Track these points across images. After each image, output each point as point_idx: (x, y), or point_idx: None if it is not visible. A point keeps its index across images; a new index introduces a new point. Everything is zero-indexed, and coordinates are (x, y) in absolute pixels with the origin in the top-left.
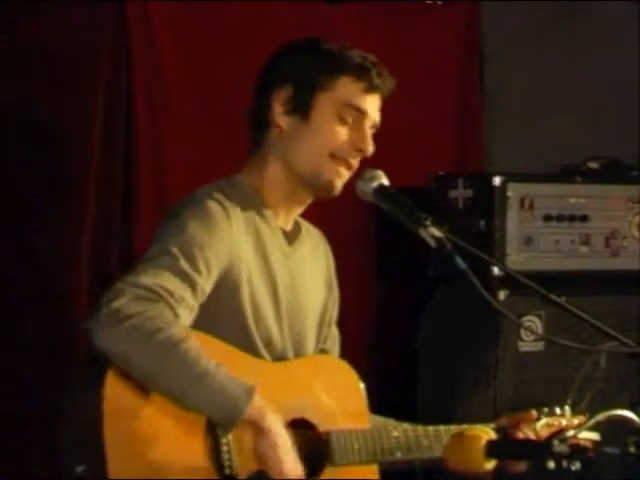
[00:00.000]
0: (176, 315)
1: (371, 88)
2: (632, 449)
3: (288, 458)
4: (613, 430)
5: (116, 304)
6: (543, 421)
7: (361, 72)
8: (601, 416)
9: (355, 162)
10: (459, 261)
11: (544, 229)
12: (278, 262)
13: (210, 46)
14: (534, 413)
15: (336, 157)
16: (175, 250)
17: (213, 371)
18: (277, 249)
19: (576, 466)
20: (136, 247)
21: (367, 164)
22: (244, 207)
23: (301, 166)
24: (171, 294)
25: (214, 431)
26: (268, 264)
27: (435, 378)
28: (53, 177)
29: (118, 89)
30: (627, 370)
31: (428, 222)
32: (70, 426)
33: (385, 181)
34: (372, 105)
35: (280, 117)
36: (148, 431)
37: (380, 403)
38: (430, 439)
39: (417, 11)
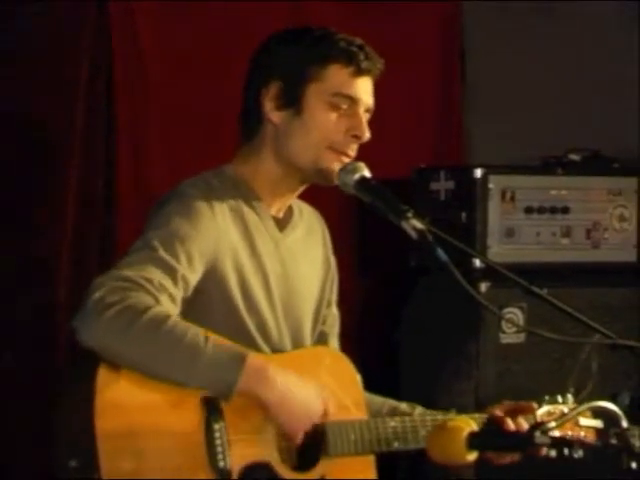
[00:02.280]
0: (157, 301)
1: (360, 72)
2: (613, 441)
3: (293, 418)
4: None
5: (96, 296)
6: (544, 409)
7: (349, 57)
8: (582, 408)
9: (353, 151)
10: (441, 253)
11: (525, 221)
12: (268, 250)
13: (193, 44)
14: (534, 405)
15: (334, 148)
16: (156, 242)
17: (202, 345)
18: (267, 237)
19: (579, 454)
20: (117, 242)
21: None
22: (231, 198)
23: (301, 160)
24: (150, 282)
25: (208, 421)
26: (257, 254)
27: (417, 369)
28: (34, 174)
29: (99, 88)
30: (608, 362)
31: (410, 214)
32: (63, 421)
33: (367, 173)
34: (363, 89)
35: (272, 113)
36: (140, 425)
37: None
38: (427, 428)
39: (399, 7)
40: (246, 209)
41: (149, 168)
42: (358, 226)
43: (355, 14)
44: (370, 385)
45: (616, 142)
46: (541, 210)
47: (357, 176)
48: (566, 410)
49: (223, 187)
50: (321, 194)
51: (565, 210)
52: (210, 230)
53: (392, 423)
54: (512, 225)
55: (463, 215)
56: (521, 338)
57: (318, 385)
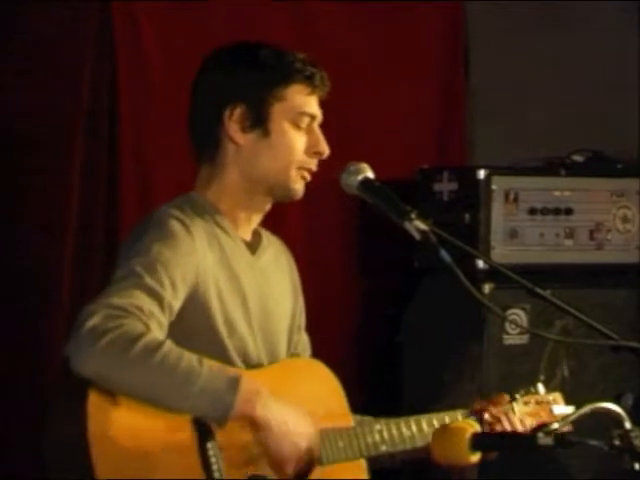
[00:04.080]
0: (148, 328)
1: (315, 90)
2: (617, 442)
3: (285, 443)
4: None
5: (89, 324)
6: (520, 401)
7: (308, 78)
8: (585, 409)
9: (315, 166)
10: (444, 254)
11: (529, 222)
12: (244, 273)
13: (195, 44)
14: (506, 396)
15: (300, 167)
16: (140, 269)
17: (196, 370)
18: (242, 260)
19: (546, 441)
20: (118, 242)
21: (352, 157)
22: (204, 222)
23: (269, 179)
24: (140, 309)
25: (201, 440)
26: (235, 276)
27: (420, 370)
28: (34, 174)
29: (102, 89)
30: (611, 363)
31: (413, 215)
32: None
33: (370, 174)
34: (316, 105)
35: (237, 134)
36: (136, 448)
37: (366, 395)
38: (412, 429)
39: (401, 8)
40: (219, 232)
41: (150, 168)
42: (361, 227)
43: (356, 15)
44: (373, 387)
45: (617, 143)
46: (544, 211)
47: (360, 177)
48: (539, 398)
49: (195, 212)
50: (324, 195)
51: (568, 211)
52: (190, 254)
53: (377, 426)
54: (515, 226)
55: (466, 216)
56: (524, 339)
57: (307, 412)
